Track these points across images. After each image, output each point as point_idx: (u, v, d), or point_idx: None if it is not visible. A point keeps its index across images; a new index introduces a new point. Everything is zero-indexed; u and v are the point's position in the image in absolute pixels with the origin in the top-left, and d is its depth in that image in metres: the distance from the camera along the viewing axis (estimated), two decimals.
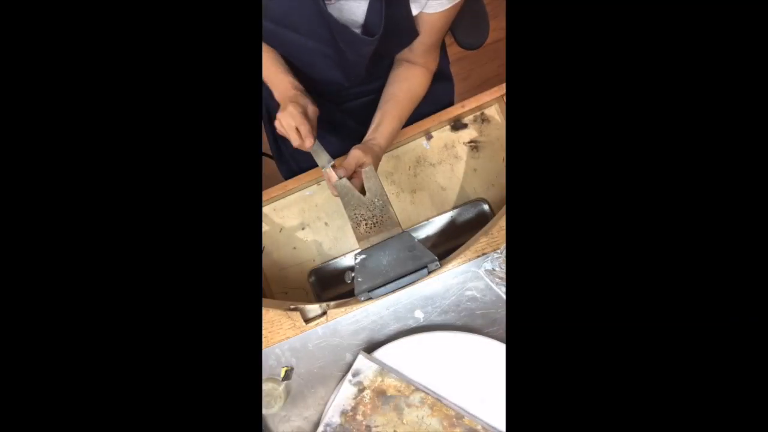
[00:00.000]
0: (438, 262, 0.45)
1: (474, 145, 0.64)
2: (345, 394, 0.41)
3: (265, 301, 0.49)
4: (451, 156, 0.64)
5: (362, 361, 0.42)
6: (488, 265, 0.44)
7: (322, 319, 0.45)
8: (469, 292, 0.45)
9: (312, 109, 0.50)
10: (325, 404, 0.43)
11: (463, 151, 0.64)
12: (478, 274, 0.45)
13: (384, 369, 0.41)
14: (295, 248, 0.65)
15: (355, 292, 0.45)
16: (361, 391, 0.41)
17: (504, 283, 0.44)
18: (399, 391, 0.41)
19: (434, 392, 0.41)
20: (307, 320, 0.45)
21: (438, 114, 0.62)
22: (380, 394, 0.41)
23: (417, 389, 0.41)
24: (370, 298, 0.45)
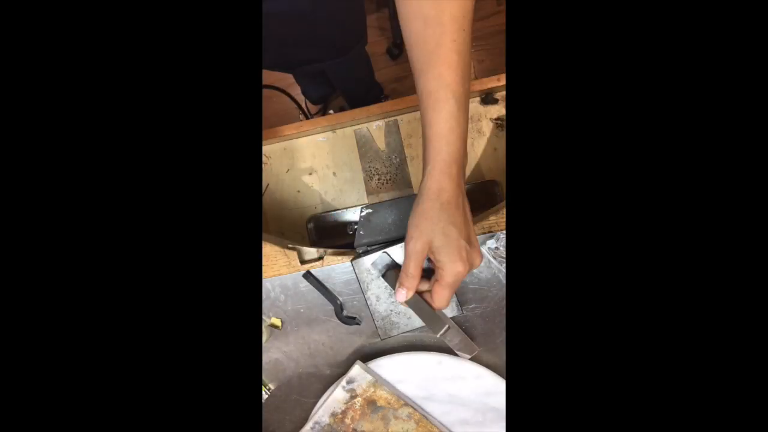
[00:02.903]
0: None
1: (500, 123, 0.62)
2: (337, 397, 0.43)
3: (264, 235, 0.49)
4: (474, 130, 0.62)
5: (357, 371, 0.43)
6: (492, 244, 0.44)
7: (318, 263, 0.45)
8: None
9: None
10: (314, 405, 0.45)
11: (488, 127, 0.62)
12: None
13: (378, 381, 0.43)
14: (299, 191, 0.65)
15: (355, 243, 0.45)
16: (353, 397, 0.43)
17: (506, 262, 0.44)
18: (389, 403, 0.43)
19: (422, 408, 0.43)
20: (303, 261, 0.46)
21: (471, 82, 0.59)
22: (371, 403, 0.43)
23: (406, 404, 0.43)
24: (368, 253, 0.45)
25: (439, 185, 0.32)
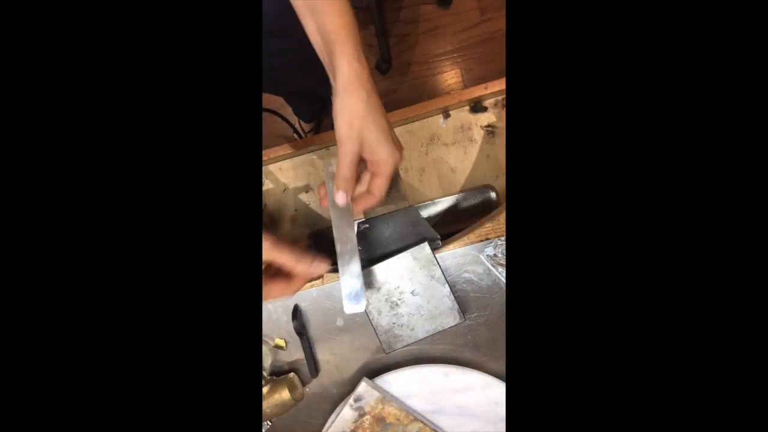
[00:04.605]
0: (440, 242, 0.44)
1: (491, 130, 0.63)
2: (345, 417, 0.43)
3: None
4: (465, 138, 0.63)
5: (364, 388, 0.43)
6: (490, 251, 0.44)
7: (318, 281, 0.45)
8: (466, 275, 0.45)
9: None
10: (322, 426, 0.44)
11: (479, 134, 0.63)
12: (478, 259, 0.45)
13: (385, 397, 0.43)
14: (296, 210, 0.65)
15: None
16: (361, 416, 0.43)
17: (505, 268, 0.44)
18: (398, 419, 0.42)
19: (432, 423, 0.43)
20: None
21: (459, 92, 0.60)
22: (380, 420, 0.43)
23: (416, 419, 0.42)
24: (366, 267, 0.45)
25: (353, 69, 0.31)
